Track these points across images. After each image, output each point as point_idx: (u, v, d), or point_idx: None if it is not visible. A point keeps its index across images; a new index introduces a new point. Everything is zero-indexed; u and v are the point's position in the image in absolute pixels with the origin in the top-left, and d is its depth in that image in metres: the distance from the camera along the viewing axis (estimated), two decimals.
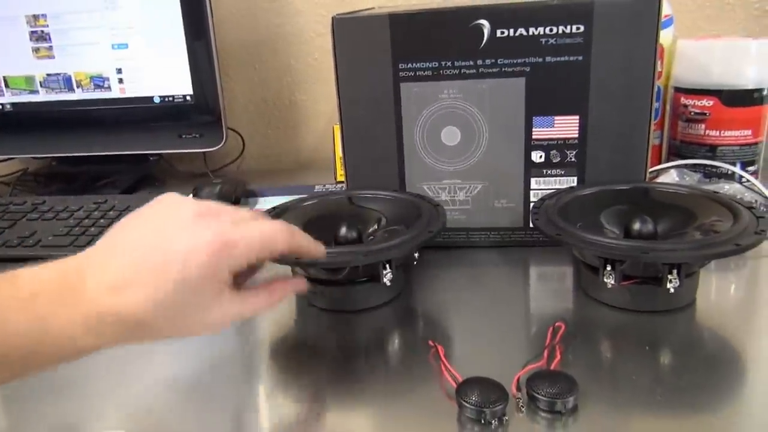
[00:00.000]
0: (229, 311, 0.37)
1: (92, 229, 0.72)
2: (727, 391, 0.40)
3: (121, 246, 0.36)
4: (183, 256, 0.34)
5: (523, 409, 0.39)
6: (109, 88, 0.89)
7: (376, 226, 0.58)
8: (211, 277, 0.35)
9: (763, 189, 0.70)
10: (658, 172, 0.76)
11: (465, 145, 0.61)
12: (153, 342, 0.36)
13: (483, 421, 0.37)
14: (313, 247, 0.43)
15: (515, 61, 0.57)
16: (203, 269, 0.35)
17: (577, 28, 0.56)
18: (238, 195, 0.80)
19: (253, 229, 0.38)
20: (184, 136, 0.91)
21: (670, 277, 0.46)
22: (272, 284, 0.41)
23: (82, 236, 0.70)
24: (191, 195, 0.81)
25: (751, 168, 0.76)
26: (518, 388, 0.40)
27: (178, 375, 0.47)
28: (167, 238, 0.35)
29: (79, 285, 0.34)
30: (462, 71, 0.58)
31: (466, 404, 0.38)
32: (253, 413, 0.42)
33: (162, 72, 0.88)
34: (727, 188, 0.69)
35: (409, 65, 0.59)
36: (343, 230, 0.55)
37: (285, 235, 0.39)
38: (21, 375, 0.34)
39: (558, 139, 0.59)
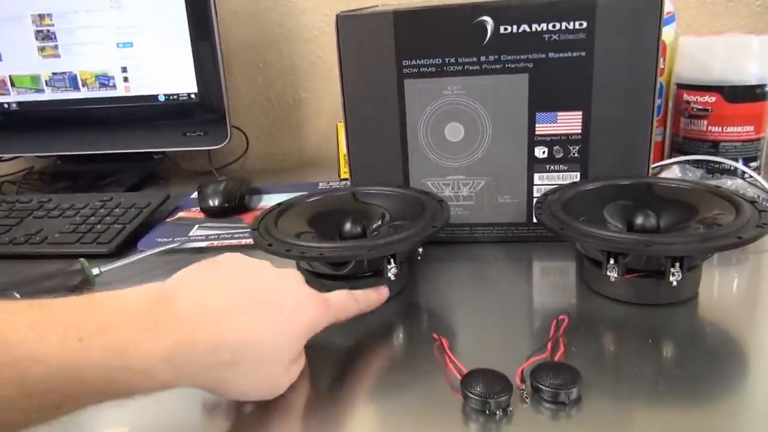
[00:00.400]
0: (298, 370, 0.41)
1: (98, 226, 0.73)
2: (729, 382, 0.41)
3: (212, 281, 0.37)
4: (294, 302, 0.38)
5: (527, 400, 0.39)
6: (114, 86, 0.90)
7: (380, 222, 0.58)
8: (311, 329, 0.39)
9: (766, 184, 0.70)
10: (661, 168, 0.76)
11: (468, 141, 0.61)
12: (226, 393, 0.37)
13: (487, 412, 0.38)
14: (375, 297, 0.48)
15: (518, 57, 0.58)
16: (309, 320, 0.39)
17: (580, 24, 0.56)
18: (242, 192, 0.80)
19: (338, 294, 0.44)
20: (188, 134, 0.91)
21: (672, 270, 0.46)
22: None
23: (88, 233, 0.71)
24: (196, 193, 0.82)
25: (753, 164, 0.76)
26: (522, 380, 0.40)
27: None
28: (270, 282, 0.38)
29: (166, 313, 0.33)
30: (465, 67, 0.59)
31: (470, 395, 0.38)
32: (256, 406, 0.42)
33: (167, 71, 0.89)
34: (729, 184, 0.69)
35: (413, 62, 0.59)
36: (348, 226, 0.56)
37: (355, 298, 0.45)
38: (84, 406, 0.32)
39: (561, 135, 0.60)
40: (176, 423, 0.41)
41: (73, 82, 0.91)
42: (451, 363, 0.42)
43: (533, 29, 0.57)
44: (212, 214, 0.78)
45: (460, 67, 0.59)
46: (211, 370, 0.34)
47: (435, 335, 0.46)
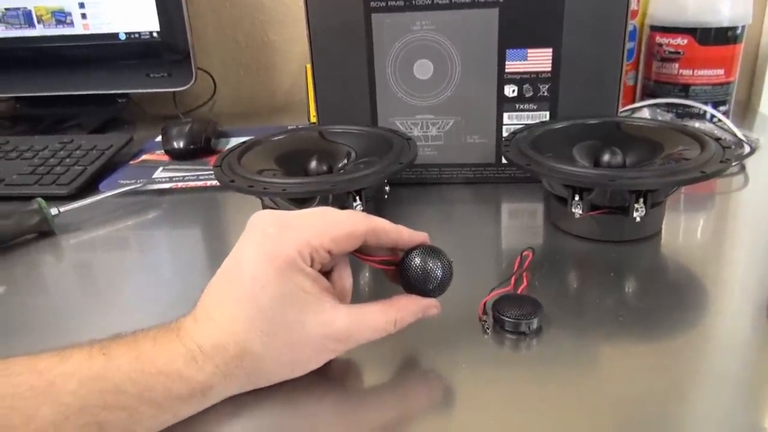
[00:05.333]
0: (335, 322, 0.33)
1: (58, 168, 0.70)
2: (689, 313, 0.41)
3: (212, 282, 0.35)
4: (250, 265, 0.33)
5: (488, 331, 0.39)
6: (71, 23, 0.86)
7: (346, 161, 0.57)
8: (282, 270, 0.32)
9: (734, 128, 0.70)
10: (632, 112, 0.76)
11: (438, 78, 0.60)
12: (265, 381, 0.34)
13: None
14: (395, 230, 0.37)
15: None
16: (268, 264, 0.32)
17: None
18: (208, 135, 0.78)
19: (313, 211, 0.36)
20: (152, 76, 0.88)
21: (636, 205, 0.47)
22: (395, 302, 0.36)
23: (47, 175, 0.69)
24: (159, 136, 0.79)
25: (722, 107, 0.76)
26: (485, 312, 0.41)
27: (152, 312, 0.46)
28: (237, 258, 0.34)
29: (176, 323, 0.34)
30: (435, 1, 0.57)
31: None
32: None
33: (127, 7, 0.85)
34: (698, 126, 0.69)
35: None
36: (314, 164, 0.55)
37: (358, 215, 0.36)
38: (145, 425, 0.31)
39: (531, 73, 0.59)
40: None
41: (27, 18, 0.86)
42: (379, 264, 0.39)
43: None
44: (177, 156, 0.76)
45: (429, 1, 0.57)
46: (232, 367, 0.32)
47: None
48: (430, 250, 0.37)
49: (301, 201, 0.50)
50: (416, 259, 0.36)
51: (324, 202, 0.50)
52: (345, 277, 0.38)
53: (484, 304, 0.41)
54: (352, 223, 0.35)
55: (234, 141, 0.82)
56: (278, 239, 0.33)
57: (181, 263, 0.53)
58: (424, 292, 0.36)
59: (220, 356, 0.32)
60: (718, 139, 0.50)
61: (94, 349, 0.31)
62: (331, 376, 0.37)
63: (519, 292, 0.43)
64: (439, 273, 0.36)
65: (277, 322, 0.32)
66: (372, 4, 0.58)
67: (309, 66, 0.62)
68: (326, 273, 0.36)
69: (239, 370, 0.33)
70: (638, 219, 0.47)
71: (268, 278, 0.32)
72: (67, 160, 0.72)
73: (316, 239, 0.33)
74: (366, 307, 0.35)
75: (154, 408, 0.31)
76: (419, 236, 0.37)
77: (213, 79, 1.02)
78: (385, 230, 0.36)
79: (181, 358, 0.31)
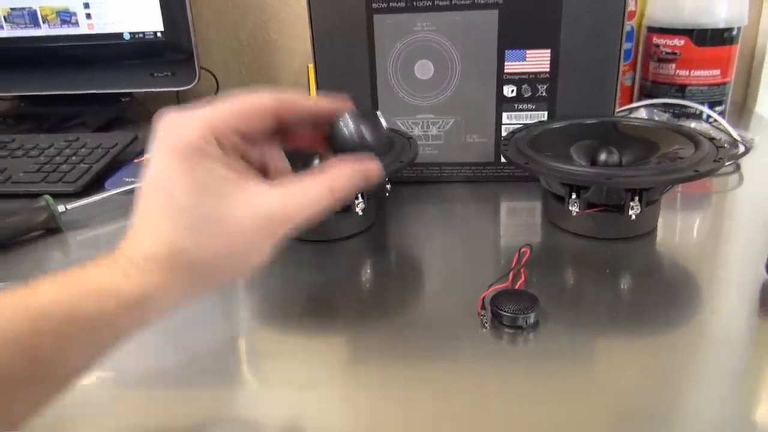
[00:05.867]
0: (263, 202, 0.31)
1: (64, 166, 0.71)
2: (683, 310, 0.42)
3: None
4: (157, 162, 0.31)
5: (486, 326, 0.40)
6: (76, 23, 0.87)
7: None
8: (187, 158, 0.30)
9: (729, 128, 0.71)
10: (629, 112, 0.77)
11: (438, 79, 0.61)
12: (212, 280, 0.32)
13: None
14: (312, 100, 0.34)
15: None
16: (172, 156, 0.30)
17: None
18: None
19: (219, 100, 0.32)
20: (156, 75, 0.89)
21: (632, 204, 0.48)
22: (327, 170, 0.33)
23: (53, 173, 0.70)
24: None
25: (718, 108, 0.77)
26: (483, 307, 0.42)
27: None
28: (147, 161, 0.32)
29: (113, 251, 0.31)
30: (435, 3, 0.58)
31: None
32: (228, 344, 0.43)
33: (131, 7, 0.86)
34: (694, 126, 0.70)
35: None
36: (316, 162, 0.56)
37: (264, 91, 0.33)
38: (85, 345, 0.29)
39: (529, 74, 0.60)
40: (153, 353, 0.42)
41: (33, 18, 0.87)
42: None
43: None
44: None
45: (430, 2, 0.58)
46: (169, 273, 0.30)
47: None
48: (355, 114, 0.34)
49: None
50: (343, 125, 0.33)
51: None
52: (277, 158, 0.35)
53: (483, 299, 0.42)
54: (257, 97, 0.32)
55: None
56: (178, 128, 0.31)
57: None
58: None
59: (152, 263, 0.30)
60: (711, 139, 0.51)
61: (29, 285, 0.29)
62: (329, 366, 0.38)
63: (517, 287, 0.44)
64: (370, 132, 0.33)
65: (198, 214, 0.30)
66: (374, 5, 0.59)
67: (311, 65, 0.63)
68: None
69: (177, 273, 0.30)
70: (633, 217, 0.48)
71: (179, 171, 0.30)
72: (73, 158, 0.73)
73: (218, 119, 0.31)
74: (296, 181, 0.32)
75: (86, 328, 0.28)
76: (341, 102, 0.35)
77: (216, 79, 1.03)
78: (299, 102, 0.33)
79: (110, 274, 0.30)
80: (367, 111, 0.34)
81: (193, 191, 0.30)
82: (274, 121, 0.33)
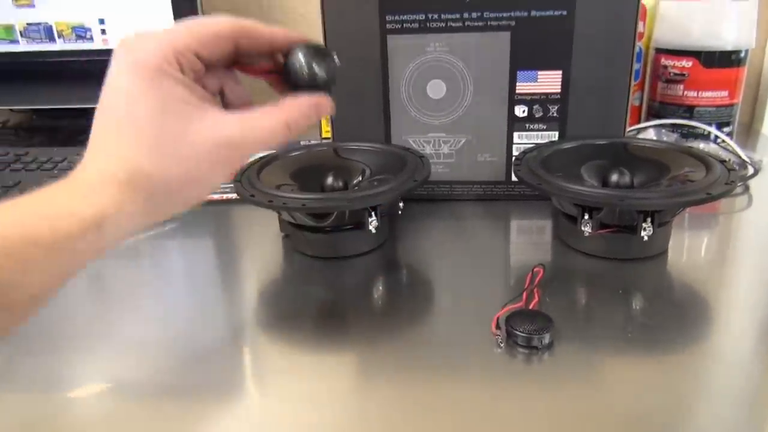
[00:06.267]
0: (223, 128, 0.31)
1: None
2: (694, 331, 0.43)
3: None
4: (119, 81, 0.31)
5: (501, 345, 0.41)
6: (91, 38, 0.88)
7: (361, 177, 0.59)
8: (151, 78, 0.30)
9: (738, 149, 0.72)
10: (637, 132, 0.78)
11: (450, 98, 0.62)
12: (171, 204, 0.32)
13: None
14: (268, 31, 0.34)
15: (501, 15, 0.58)
16: (136, 76, 0.30)
17: None
18: None
19: (179, 22, 0.32)
20: None
21: (644, 225, 0.48)
22: (282, 105, 0.34)
23: None
24: None
25: (726, 129, 0.78)
26: (497, 326, 0.42)
27: (164, 322, 0.47)
28: (107, 80, 0.31)
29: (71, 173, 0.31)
30: (449, 24, 0.59)
31: None
32: (241, 359, 0.43)
33: (146, 23, 0.87)
34: (702, 147, 0.71)
35: (397, 17, 0.59)
36: (330, 179, 0.56)
37: (224, 16, 0.33)
38: (42, 267, 0.28)
39: (541, 94, 0.61)
40: (162, 372, 0.42)
41: (48, 33, 0.88)
42: None
43: None
44: None
45: (443, 24, 0.59)
46: (126, 192, 0.30)
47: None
48: (309, 47, 0.35)
49: (319, 216, 0.52)
50: (297, 58, 0.34)
51: (340, 217, 0.52)
52: (234, 87, 0.36)
53: (497, 319, 0.42)
54: (217, 22, 0.33)
55: None
56: (141, 48, 0.31)
57: (195, 275, 0.55)
58: (311, 88, 0.35)
59: (111, 184, 0.29)
60: (723, 162, 0.51)
61: None
62: (341, 384, 0.38)
63: (531, 307, 0.44)
64: (323, 68, 0.34)
65: (161, 135, 0.30)
66: (388, 26, 0.60)
67: None
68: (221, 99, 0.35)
69: (136, 195, 0.30)
70: (646, 238, 0.48)
71: (140, 90, 0.30)
72: None
73: (179, 41, 0.31)
74: (254, 111, 0.33)
75: (44, 251, 0.27)
76: (296, 35, 0.35)
77: None
78: (257, 29, 0.34)
79: (66, 195, 0.29)
80: (321, 47, 0.35)
81: (155, 111, 0.30)
82: (231, 46, 0.33)
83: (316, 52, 0.35)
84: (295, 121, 0.34)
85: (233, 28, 0.33)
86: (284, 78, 0.35)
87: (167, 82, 0.30)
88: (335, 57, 0.35)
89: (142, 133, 0.30)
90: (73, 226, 0.28)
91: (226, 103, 0.35)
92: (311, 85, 0.35)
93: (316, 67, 0.34)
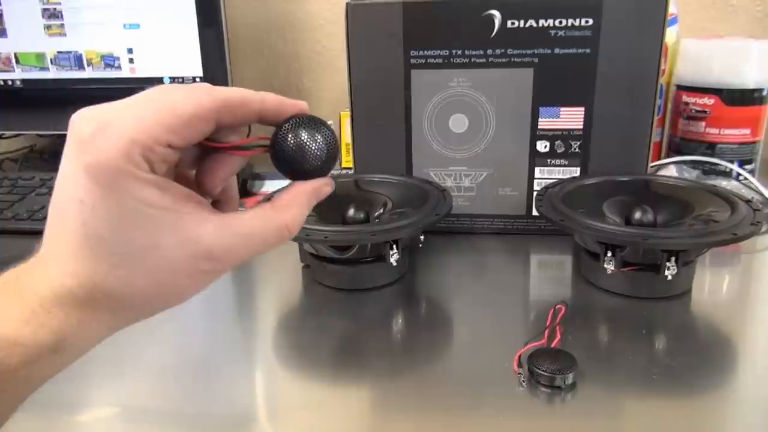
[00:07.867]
0: (201, 238, 0.26)
1: None
2: (720, 373, 0.42)
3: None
4: (70, 185, 0.25)
5: (523, 384, 0.40)
6: (119, 67, 0.90)
7: (382, 210, 0.59)
8: (109, 184, 0.24)
9: (760, 187, 0.71)
10: (658, 168, 0.78)
11: (472, 132, 0.62)
12: (138, 316, 0.28)
13: None
14: (258, 100, 0.28)
15: (524, 52, 0.59)
16: (90, 180, 0.24)
17: (586, 21, 0.57)
18: (245, 177, 0.81)
19: (143, 95, 0.27)
20: None
21: (668, 264, 0.48)
22: (275, 199, 0.29)
23: None
24: None
25: (748, 166, 0.78)
26: (519, 365, 0.42)
27: (180, 351, 0.47)
28: (59, 178, 0.26)
29: (17, 270, 0.27)
30: (472, 60, 0.60)
31: None
32: (257, 390, 0.43)
33: (172, 53, 0.89)
34: (725, 185, 0.70)
35: (421, 53, 0.60)
36: (351, 211, 0.57)
37: (201, 88, 0.27)
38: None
39: (563, 130, 0.61)
40: (178, 401, 0.42)
41: (78, 61, 0.91)
42: None
43: (540, 24, 0.58)
44: None
45: (466, 60, 0.60)
46: (78, 312, 0.26)
47: None
48: (302, 122, 0.29)
49: (340, 248, 0.52)
50: (290, 134, 0.28)
51: (362, 250, 0.52)
52: (219, 172, 0.30)
53: (519, 357, 0.42)
54: (194, 102, 0.26)
55: (269, 183, 0.85)
56: (96, 144, 0.25)
57: (212, 302, 0.55)
58: (307, 173, 0.29)
59: (67, 304, 0.25)
60: (748, 201, 0.51)
61: None
62: (358, 419, 0.38)
63: (553, 345, 0.44)
64: (322, 147, 0.28)
65: (124, 250, 0.25)
66: (412, 61, 0.61)
67: (344, 113, 0.65)
68: (187, 180, 0.29)
69: (99, 313, 0.26)
70: (669, 277, 0.48)
71: (96, 198, 0.25)
72: None
73: (144, 134, 0.25)
74: (243, 214, 0.28)
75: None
76: (292, 104, 0.29)
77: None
78: (244, 100, 0.28)
79: (14, 320, 0.25)
80: (316, 119, 0.29)
81: (116, 223, 0.25)
82: (212, 126, 0.27)
83: (310, 126, 0.29)
84: (294, 221, 0.29)
85: (214, 106, 0.27)
86: (273, 158, 0.29)
87: (131, 186, 0.25)
88: (330, 128, 0.30)
89: (102, 249, 0.25)
90: (24, 357, 0.25)
91: (199, 182, 0.30)
92: (305, 166, 0.29)
93: (314, 147, 0.28)
